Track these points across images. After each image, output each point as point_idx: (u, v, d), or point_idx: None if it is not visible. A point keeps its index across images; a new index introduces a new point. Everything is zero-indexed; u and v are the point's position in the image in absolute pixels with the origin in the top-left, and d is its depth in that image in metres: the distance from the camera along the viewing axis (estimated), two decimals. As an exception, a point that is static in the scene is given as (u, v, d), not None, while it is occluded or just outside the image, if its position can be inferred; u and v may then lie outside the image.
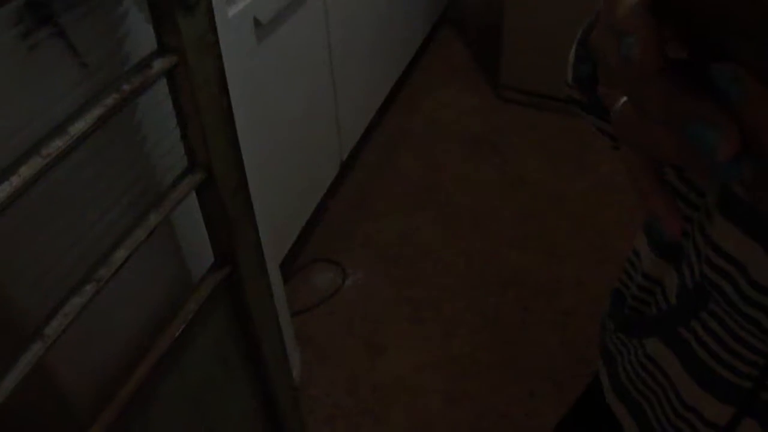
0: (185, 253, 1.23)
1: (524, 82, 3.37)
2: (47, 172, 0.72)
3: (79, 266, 0.87)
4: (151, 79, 0.88)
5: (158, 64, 0.89)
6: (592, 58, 0.58)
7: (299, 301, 2.39)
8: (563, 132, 3.19)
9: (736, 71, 0.31)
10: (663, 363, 0.71)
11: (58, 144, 0.73)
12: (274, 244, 1.81)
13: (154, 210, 0.97)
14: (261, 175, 1.58)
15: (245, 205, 1.19)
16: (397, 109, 3.44)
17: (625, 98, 0.40)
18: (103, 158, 0.95)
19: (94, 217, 0.95)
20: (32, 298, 0.86)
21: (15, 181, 0.67)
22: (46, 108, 0.79)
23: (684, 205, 0.67)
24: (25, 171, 0.68)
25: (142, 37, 0.95)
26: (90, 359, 1.05)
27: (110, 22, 0.90)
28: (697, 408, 0.67)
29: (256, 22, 1.85)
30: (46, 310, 0.80)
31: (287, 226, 2.35)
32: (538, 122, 3.31)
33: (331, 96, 2.55)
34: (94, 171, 0.93)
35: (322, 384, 2.18)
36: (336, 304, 2.41)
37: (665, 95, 0.35)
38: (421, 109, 3.45)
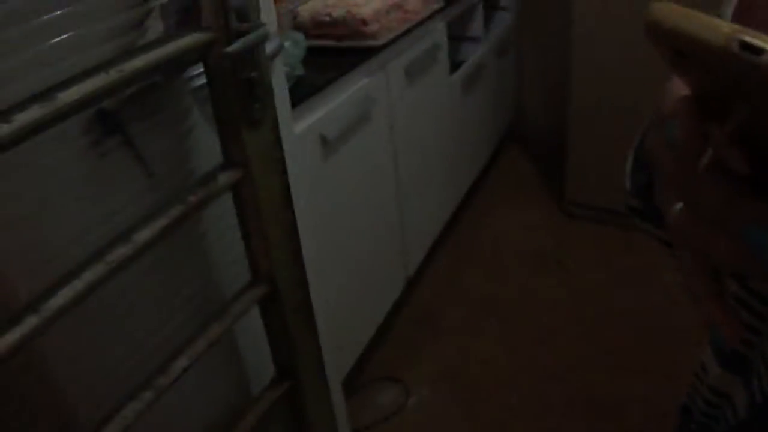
0: (246, 365, 1.23)
1: (589, 198, 3.36)
2: (110, 278, 0.73)
3: (139, 374, 0.87)
4: (217, 191, 0.90)
5: (223, 178, 0.91)
6: (648, 164, 0.57)
7: (361, 419, 2.35)
8: (628, 247, 3.16)
9: None
10: None
11: (123, 251, 0.74)
12: (337, 361, 1.80)
13: (215, 321, 0.97)
14: (326, 290, 1.58)
15: (308, 319, 1.19)
16: (462, 226, 3.44)
17: (681, 203, 0.40)
18: (167, 267, 0.96)
19: (155, 325, 0.96)
20: (90, 403, 0.86)
21: (78, 285, 0.68)
22: (112, 215, 0.81)
23: (748, 314, 0.65)
24: (89, 276, 0.70)
25: (208, 149, 0.97)
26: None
27: (177, 133, 0.93)
28: None
29: (323, 139, 1.88)
30: (104, 414, 0.80)
31: (351, 342, 2.33)
32: (602, 237, 3.28)
33: (396, 213, 2.57)
34: (157, 280, 0.94)
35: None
36: (399, 423, 2.36)
37: (720, 196, 0.34)
38: (487, 226, 3.46)
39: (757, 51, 0.29)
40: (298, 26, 2.41)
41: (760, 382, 0.63)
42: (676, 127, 0.36)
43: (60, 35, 0.74)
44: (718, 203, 0.35)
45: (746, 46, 0.29)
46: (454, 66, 3.07)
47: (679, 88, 0.40)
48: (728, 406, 0.69)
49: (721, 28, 0.31)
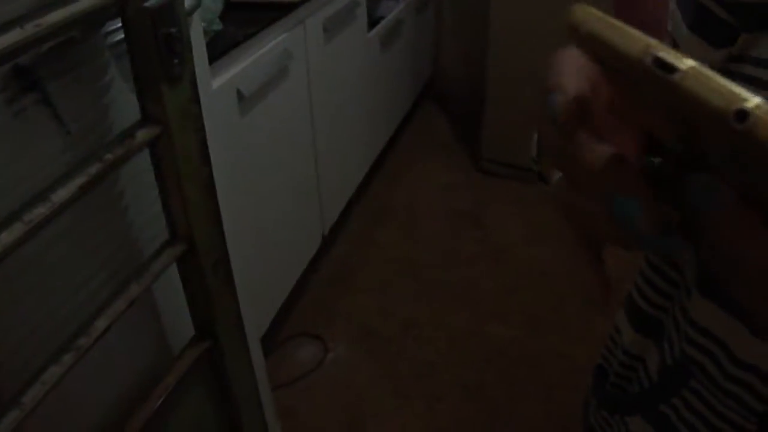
0: (166, 325, 1.22)
1: (505, 155, 3.40)
2: (27, 238, 0.71)
3: (59, 335, 0.86)
4: (134, 149, 0.89)
5: (141, 135, 0.90)
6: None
7: (280, 375, 2.36)
8: (545, 204, 3.20)
9: (711, 181, 0.32)
10: None
11: (41, 211, 0.72)
12: (255, 318, 1.79)
13: (134, 280, 0.96)
14: (242, 248, 1.57)
15: (226, 278, 1.18)
16: (378, 183, 3.45)
17: (560, 173, 0.41)
18: (84, 227, 0.94)
19: (74, 286, 0.94)
20: (10, 366, 0.84)
21: (-5, 247, 0.67)
22: (29, 174, 0.79)
23: (660, 279, 0.67)
24: (6, 237, 0.68)
25: (125, 107, 0.95)
26: (67, 430, 1.03)
27: (95, 91, 0.91)
28: None
29: (240, 95, 1.86)
30: (24, 378, 0.79)
31: (268, 300, 2.33)
32: (519, 195, 3.33)
33: (313, 170, 2.56)
34: (75, 239, 0.92)
35: (303, 460, 2.14)
36: (317, 378, 2.38)
37: (590, 166, 0.36)
38: (403, 183, 3.47)
39: (670, 69, 0.29)
40: (213, -21, 2.36)
41: (671, 345, 0.65)
42: (556, 100, 0.37)
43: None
44: (587, 173, 0.36)
45: (660, 63, 0.30)
46: (373, 22, 3.06)
47: (569, 61, 0.41)
48: (642, 369, 0.72)
49: (636, 40, 0.31)
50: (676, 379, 0.63)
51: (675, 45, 0.57)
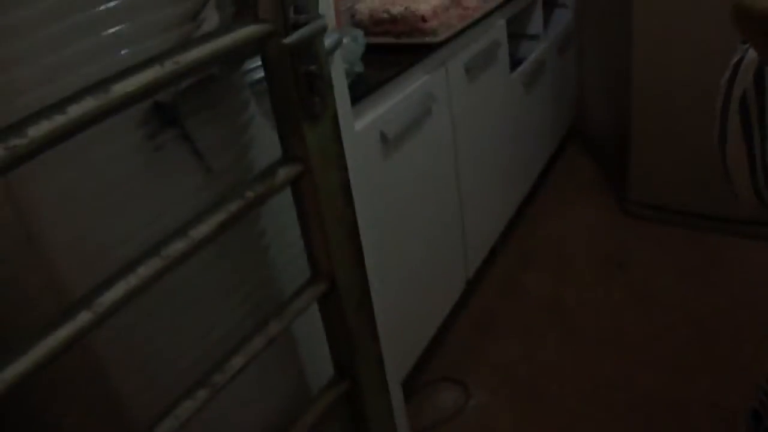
0: (305, 365, 1.22)
1: (651, 197, 3.30)
2: (165, 273, 0.71)
3: (195, 371, 0.86)
4: (276, 187, 0.89)
5: (283, 173, 0.90)
6: None
7: (420, 420, 2.33)
8: (692, 247, 3.09)
9: None
10: None
11: (179, 246, 0.73)
12: (397, 361, 1.78)
13: (274, 318, 0.96)
14: (385, 289, 1.56)
15: (368, 318, 1.17)
16: (523, 227, 3.40)
17: None
18: (225, 264, 0.95)
19: (213, 322, 0.94)
20: (145, 399, 0.85)
21: (133, 280, 0.67)
22: (168, 210, 0.79)
23: None
24: (144, 271, 0.68)
25: (266, 145, 0.96)
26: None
27: (235, 128, 0.92)
28: None
29: (383, 137, 1.86)
30: (158, 411, 0.79)
31: (411, 343, 2.31)
32: (665, 238, 3.21)
33: (457, 213, 2.54)
34: (215, 276, 0.93)
35: None
36: (458, 424, 2.34)
37: None
38: (548, 227, 3.41)
39: None
40: (356, 24, 2.40)
41: None
42: None
43: (115, 26, 0.73)
44: None
45: None
46: (515, 64, 3.04)
47: None
48: None
49: None
50: None
51: None
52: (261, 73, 0.90)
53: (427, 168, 2.25)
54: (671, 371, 2.44)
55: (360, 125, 1.76)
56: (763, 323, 2.50)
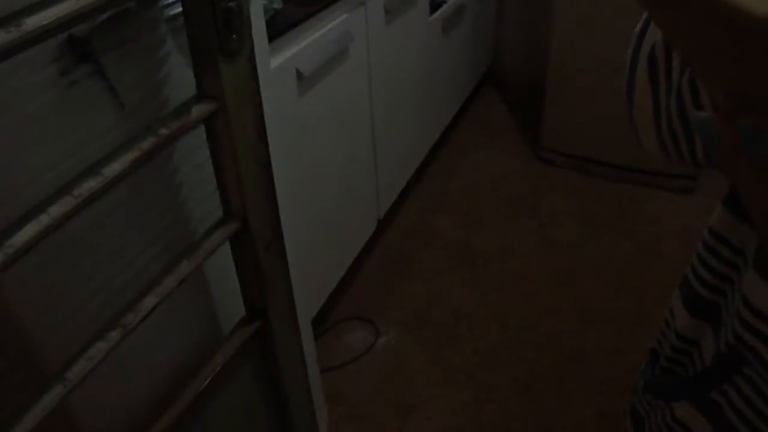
0: (216, 304, 1.22)
1: (564, 145, 3.35)
2: (78, 212, 0.70)
3: (107, 311, 0.85)
4: (190, 124, 0.87)
5: (197, 110, 0.88)
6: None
7: (330, 358, 2.35)
8: (603, 196, 3.16)
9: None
10: (694, 428, 0.67)
11: (91, 185, 0.71)
12: (307, 300, 1.78)
13: (186, 258, 0.95)
14: (296, 229, 1.56)
15: (279, 258, 1.17)
16: (435, 168, 3.43)
17: None
18: (136, 203, 0.93)
19: (124, 262, 0.93)
20: (56, 340, 0.84)
21: (44, 220, 0.66)
22: (81, 147, 0.78)
23: (720, 263, 0.65)
24: (55, 210, 0.67)
25: (181, 81, 0.94)
26: (112, 407, 1.02)
27: (151, 64, 0.90)
28: None
29: (299, 74, 1.85)
30: (70, 353, 0.78)
31: (321, 282, 2.32)
32: (577, 185, 3.28)
33: (370, 153, 2.54)
34: (126, 215, 0.92)
35: (350, 444, 2.14)
36: (367, 362, 2.37)
37: None
38: (461, 170, 3.44)
39: None
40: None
41: (726, 330, 0.62)
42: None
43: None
44: None
45: None
46: (435, 6, 3.02)
47: None
48: (696, 353, 0.69)
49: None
50: (729, 364, 0.61)
51: None
52: (179, 8, 0.88)
53: (342, 107, 2.24)
54: (577, 318, 2.51)
55: (276, 62, 1.74)
56: (669, 274, 2.58)
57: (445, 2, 3.15)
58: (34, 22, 0.61)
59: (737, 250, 0.63)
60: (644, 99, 0.62)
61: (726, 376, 0.62)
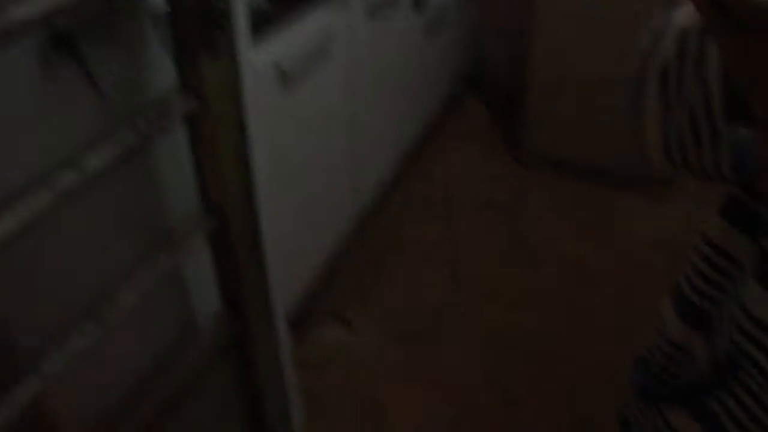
0: (193, 298, 1.21)
1: (546, 148, 3.36)
2: (56, 205, 0.70)
3: (84, 305, 0.85)
4: (171, 119, 0.87)
5: (179, 105, 0.88)
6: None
7: (305, 356, 2.35)
8: (583, 200, 3.17)
9: None
10: None
11: (70, 177, 0.71)
12: (283, 297, 1.78)
13: (163, 252, 0.95)
14: (275, 225, 1.56)
15: (257, 254, 1.17)
16: (415, 172, 3.42)
17: None
18: (114, 197, 0.93)
19: (102, 256, 0.93)
20: (32, 333, 0.84)
21: (21, 212, 0.65)
22: (60, 139, 0.77)
23: (714, 272, 0.65)
24: (34, 203, 0.67)
25: (164, 75, 0.94)
26: (87, 401, 1.02)
27: (133, 57, 0.90)
28: None
29: (281, 72, 1.84)
30: (46, 346, 0.78)
31: (298, 279, 2.32)
32: (557, 189, 3.28)
33: (349, 152, 2.54)
34: (105, 208, 0.91)
35: (323, 442, 2.13)
36: (342, 361, 2.37)
37: None
38: (440, 172, 3.43)
39: None
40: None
41: (722, 338, 0.63)
42: None
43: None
44: None
45: None
46: (417, 9, 3.02)
47: None
48: (688, 361, 0.70)
49: None
50: (726, 372, 0.62)
51: None
52: (163, 2, 0.88)
53: (323, 105, 2.23)
54: (557, 323, 2.51)
55: (258, 59, 1.73)
56: (647, 281, 2.59)
57: (427, 2, 3.15)
58: (18, 14, 0.61)
59: (735, 260, 0.64)
60: (653, 115, 0.63)
61: (722, 384, 0.63)
